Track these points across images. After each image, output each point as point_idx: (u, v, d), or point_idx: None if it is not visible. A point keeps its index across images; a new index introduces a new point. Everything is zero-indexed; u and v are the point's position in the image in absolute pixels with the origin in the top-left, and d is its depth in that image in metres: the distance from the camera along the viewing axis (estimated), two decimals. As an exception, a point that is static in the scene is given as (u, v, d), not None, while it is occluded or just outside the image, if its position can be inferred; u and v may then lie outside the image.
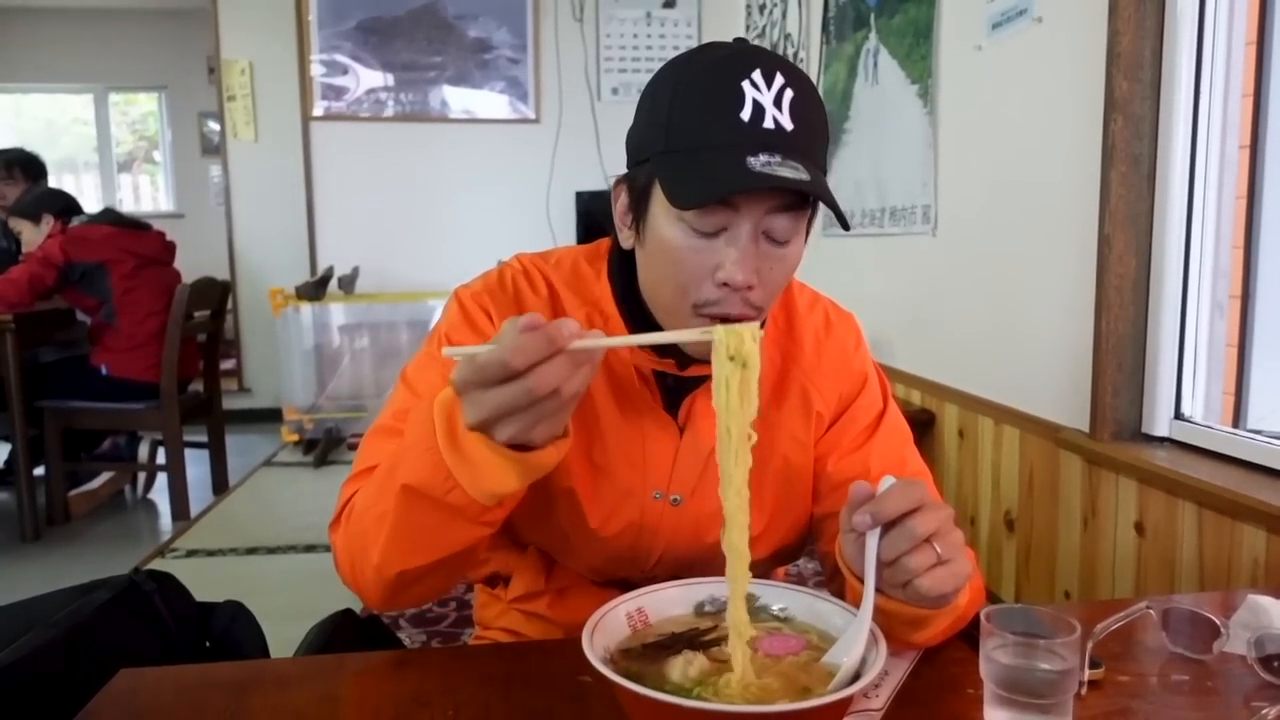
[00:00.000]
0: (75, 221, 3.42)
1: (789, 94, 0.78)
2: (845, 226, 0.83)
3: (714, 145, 0.77)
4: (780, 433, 0.96)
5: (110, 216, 3.50)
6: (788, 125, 0.77)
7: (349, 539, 0.82)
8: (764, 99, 0.77)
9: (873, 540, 0.71)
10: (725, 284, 0.79)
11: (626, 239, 0.89)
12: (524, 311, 0.85)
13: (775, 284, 0.83)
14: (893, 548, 0.70)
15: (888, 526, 0.71)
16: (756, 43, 1.22)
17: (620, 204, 0.89)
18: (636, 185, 0.85)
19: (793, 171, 0.75)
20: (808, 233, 0.86)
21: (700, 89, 0.79)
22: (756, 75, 0.77)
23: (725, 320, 0.81)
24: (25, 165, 3.87)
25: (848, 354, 1.01)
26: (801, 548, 1.04)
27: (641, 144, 0.84)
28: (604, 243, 1.00)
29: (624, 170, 0.89)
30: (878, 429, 0.98)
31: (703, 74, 0.80)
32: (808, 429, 0.97)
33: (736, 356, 0.69)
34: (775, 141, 0.77)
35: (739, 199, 0.78)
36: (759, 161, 0.75)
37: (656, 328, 0.88)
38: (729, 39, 0.86)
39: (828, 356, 0.99)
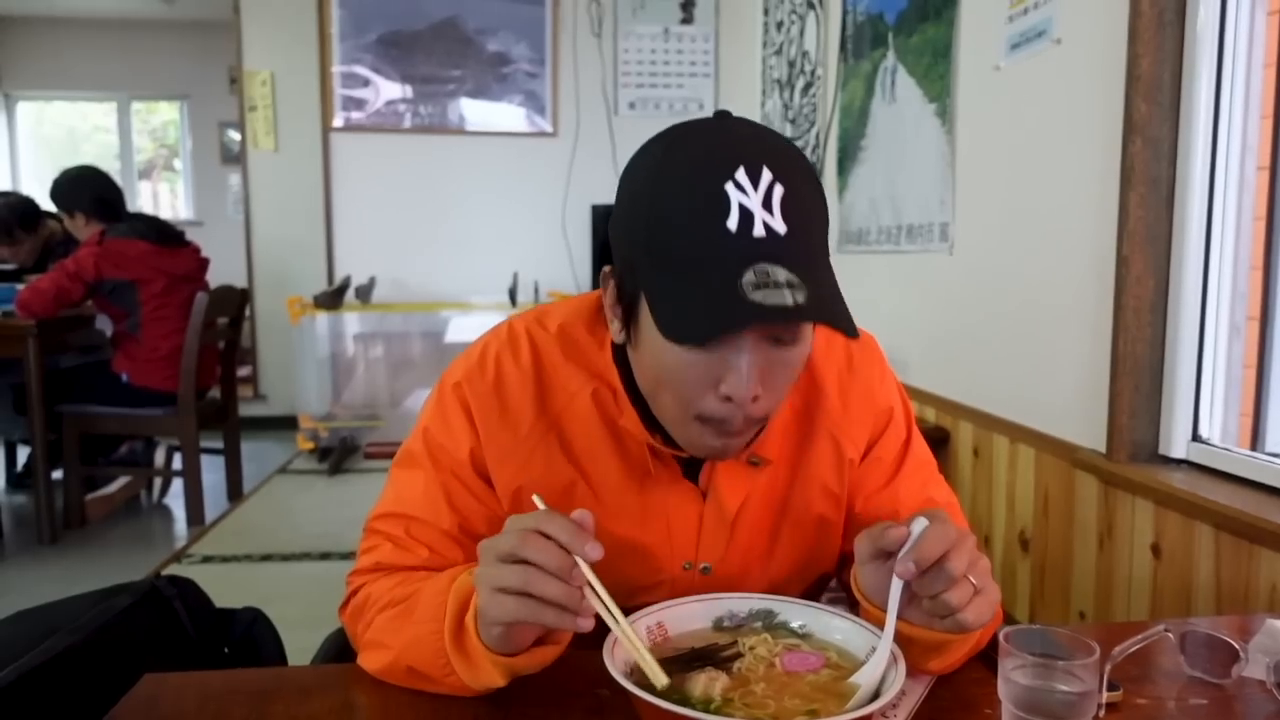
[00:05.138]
0: (112, 233, 3.31)
1: (778, 191, 0.71)
2: (853, 334, 0.73)
3: (701, 261, 0.71)
4: (813, 488, 0.94)
5: (144, 229, 3.37)
6: (780, 229, 0.71)
7: (357, 640, 0.87)
8: (751, 202, 0.70)
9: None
10: (728, 397, 0.76)
11: (617, 333, 0.84)
12: (504, 397, 0.89)
13: (781, 388, 0.80)
14: (930, 587, 0.72)
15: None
16: (774, 61, 1.21)
17: (609, 294, 0.83)
18: (624, 288, 0.80)
19: (790, 292, 0.69)
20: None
21: (679, 196, 0.72)
22: (740, 175, 0.71)
23: (727, 434, 0.79)
24: (21, 219, 3.71)
25: (873, 391, 0.96)
26: (825, 586, 1.03)
27: (623, 245, 0.79)
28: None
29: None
30: (903, 464, 0.96)
31: (681, 177, 0.73)
32: (840, 480, 0.95)
33: None
34: (768, 250, 0.70)
35: None
36: (753, 282, 0.69)
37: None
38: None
39: (854, 400, 0.95)
